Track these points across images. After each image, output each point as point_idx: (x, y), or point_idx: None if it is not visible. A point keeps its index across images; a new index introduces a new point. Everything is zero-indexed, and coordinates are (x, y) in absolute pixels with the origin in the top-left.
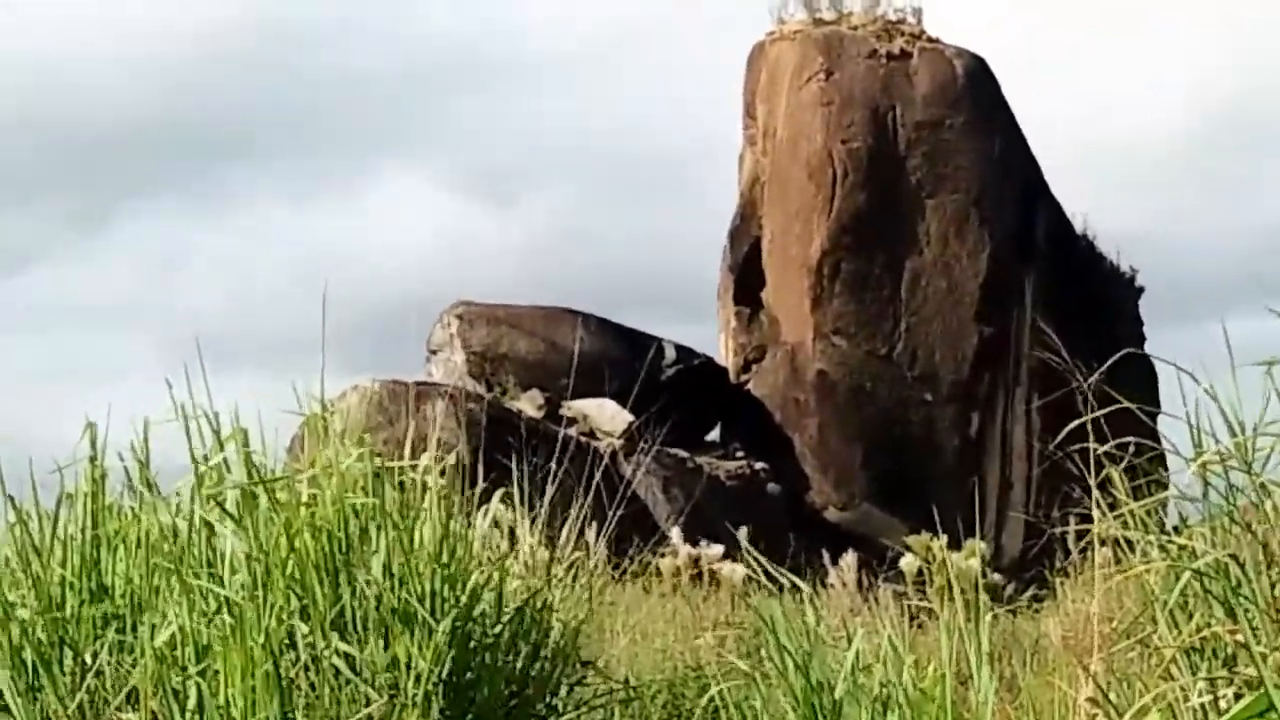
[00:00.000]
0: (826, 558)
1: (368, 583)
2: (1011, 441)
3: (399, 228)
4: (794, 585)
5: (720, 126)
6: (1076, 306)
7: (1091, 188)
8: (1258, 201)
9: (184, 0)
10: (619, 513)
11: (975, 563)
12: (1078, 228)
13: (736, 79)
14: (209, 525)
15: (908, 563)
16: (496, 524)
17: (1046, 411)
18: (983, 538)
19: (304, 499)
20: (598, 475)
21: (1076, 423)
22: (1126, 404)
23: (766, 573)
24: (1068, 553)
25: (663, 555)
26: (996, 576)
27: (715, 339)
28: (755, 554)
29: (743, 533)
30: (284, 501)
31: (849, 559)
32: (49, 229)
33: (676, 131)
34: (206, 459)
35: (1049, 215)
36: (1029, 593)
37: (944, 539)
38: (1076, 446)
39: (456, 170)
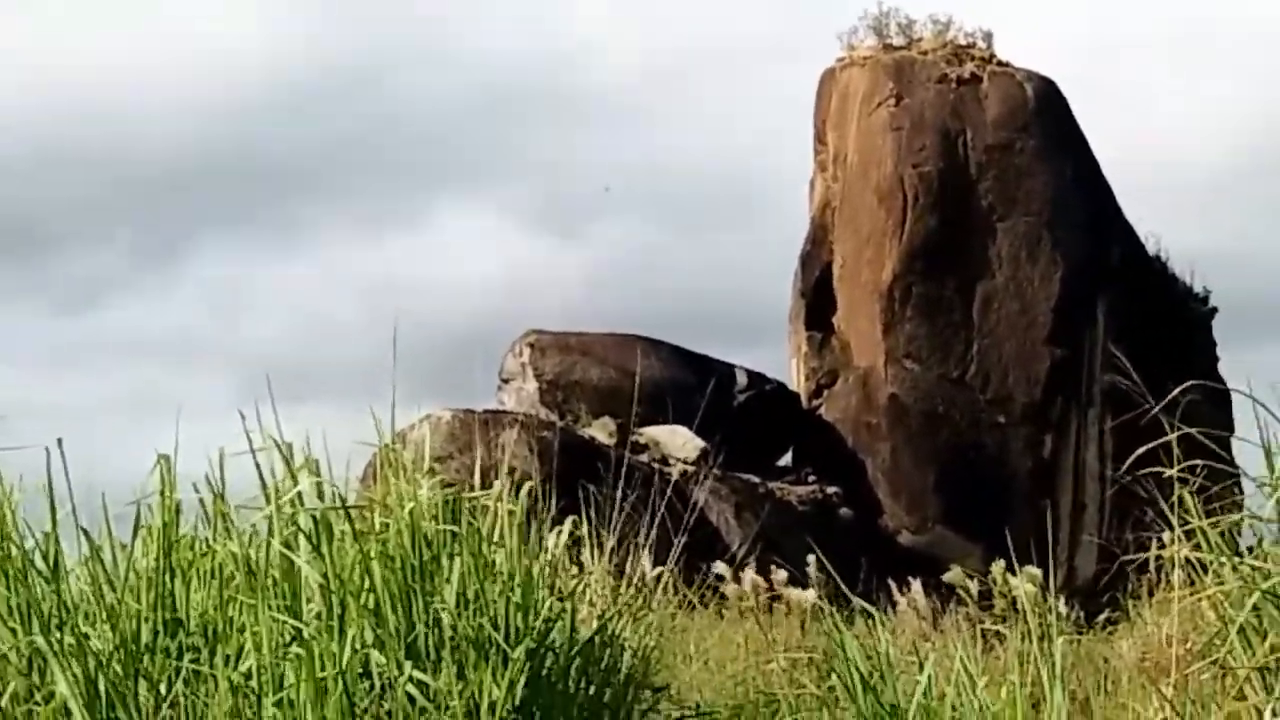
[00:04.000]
0: (894, 584)
1: (442, 610)
2: (1084, 464)
3: (467, 259)
4: (865, 610)
5: (788, 153)
6: (1150, 328)
7: (1164, 209)
8: None
9: (246, 34)
10: (688, 538)
11: (1031, 587)
12: (1151, 249)
13: (804, 106)
14: (284, 555)
15: (962, 589)
16: (569, 551)
17: (1120, 434)
18: (1056, 560)
19: (378, 528)
20: (667, 501)
21: (1149, 445)
22: (1199, 430)
23: (837, 597)
24: (1141, 575)
25: (728, 581)
26: (1061, 600)
27: (786, 364)
28: (824, 579)
29: (811, 559)
30: (359, 530)
31: (916, 585)
32: (118, 264)
33: (744, 159)
34: (279, 490)
35: (1121, 237)
36: (1103, 615)
37: (1004, 562)
38: (1149, 469)
39: (523, 202)
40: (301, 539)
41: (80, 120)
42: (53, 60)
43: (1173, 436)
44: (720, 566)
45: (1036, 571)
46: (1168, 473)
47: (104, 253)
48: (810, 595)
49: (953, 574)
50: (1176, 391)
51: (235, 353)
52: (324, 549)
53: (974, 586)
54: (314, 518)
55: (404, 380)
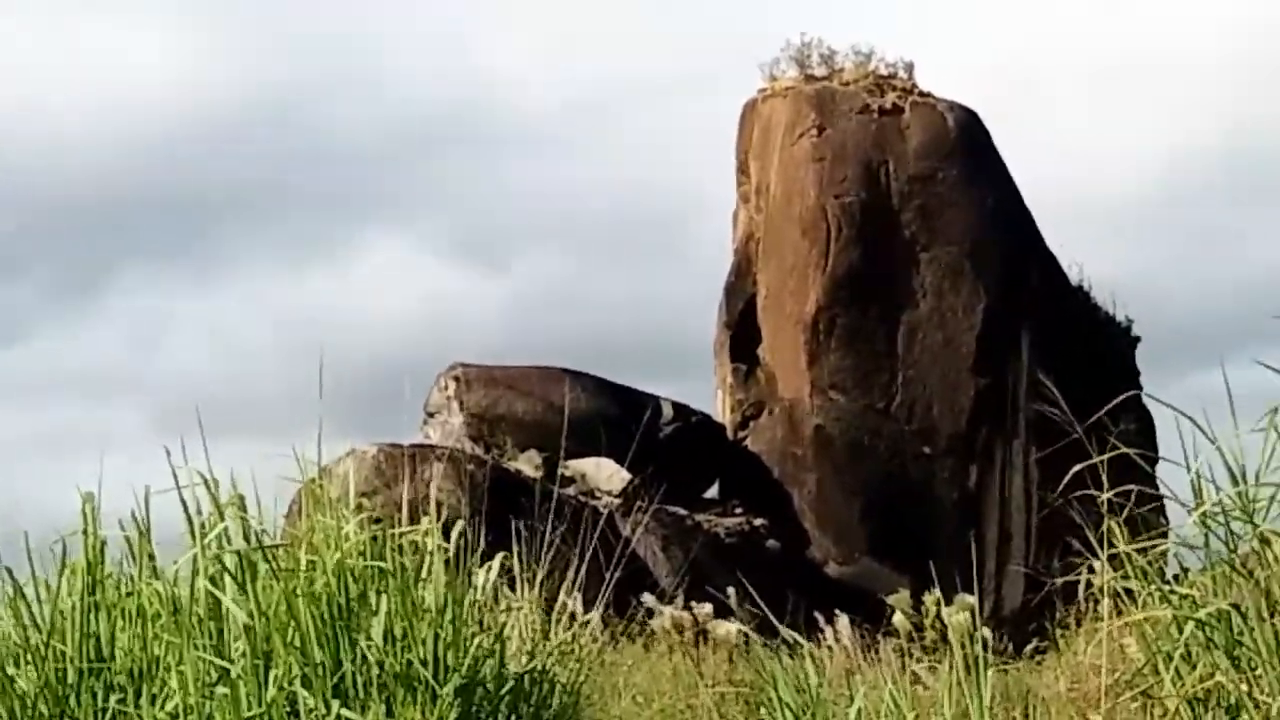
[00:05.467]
0: (822, 616)
1: (369, 647)
2: (1010, 493)
3: (390, 292)
4: (793, 642)
5: (711, 185)
6: (1072, 357)
7: (1084, 238)
8: (1241, 253)
9: (167, 67)
10: (618, 573)
11: (965, 617)
12: (1073, 278)
13: (726, 138)
14: (209, 594)
15: (900, 619)
16: (498, 585)
17: (1045, 462)
18: (982, 590)
19: (303, 565)
20: (596, 535)
21: (1075, 469)
22: (1125, 450)
23: (765, 629)
24: (1069, 604)
25: (653, 615)
26: (987, 631)
27: (712, 396)
28: (749, 612)
29: (733, 592)
30: (284, 568)
31: (843, 620)
32: (37, 300)
33: (667, 191)
34: (204, 527)
35: (1043, 266)
36: (1031, 645)
37: (938, 593)
38: (1076, 494)
39: (446, 234)
40: (227, 577)
41: None
42: None
43: (1099, 459)
44: (649, 599)
45: (971, 600)
46: (1098, 498)
47: (21, 286)
48: (733, 628)
49: (896, 598)
50: (1105, 409)
51: (155, 386)
52: (249, 587)
53: (905, 617)
54: (239, 555)
55: (327, 414)
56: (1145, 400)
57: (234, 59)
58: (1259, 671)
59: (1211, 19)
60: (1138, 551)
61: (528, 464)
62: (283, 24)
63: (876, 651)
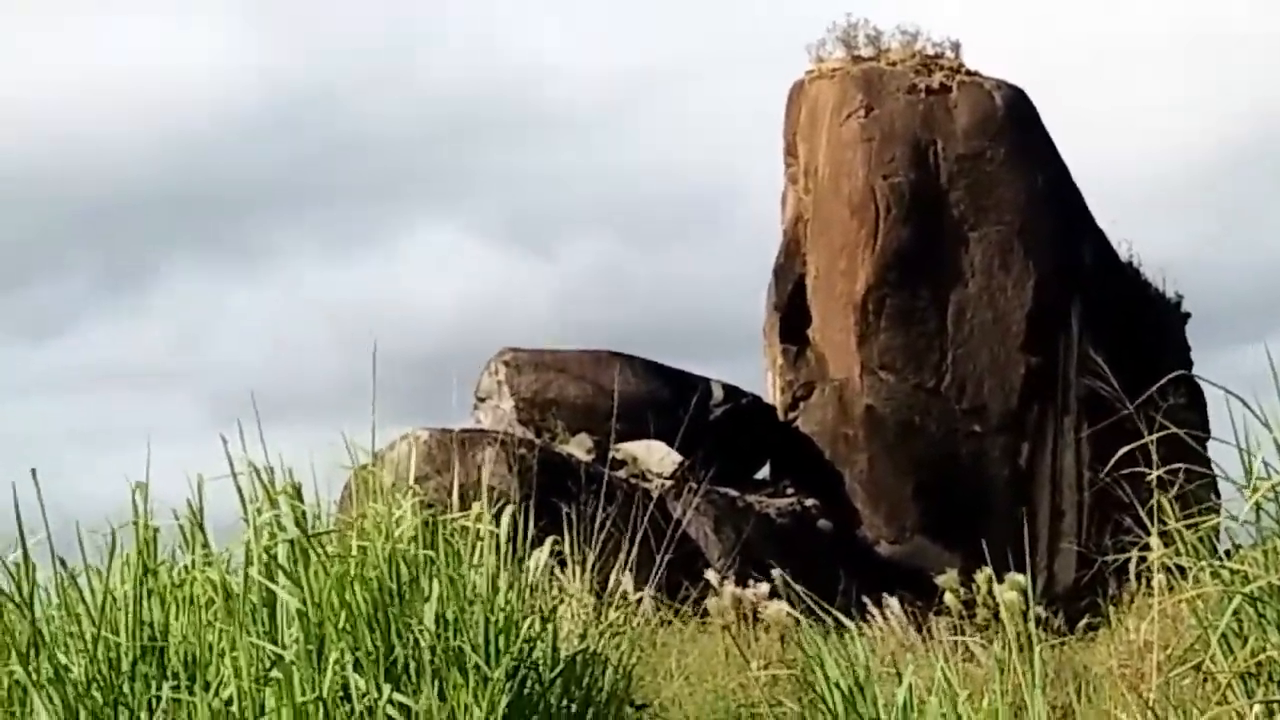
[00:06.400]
0: (869, 596)
1: (421, 632)
2: (1062, 470)
3: (436, 279)
4: (842, 622)
5: (757, 167)
6: (1123, 334)
7: (1133, 214)
8: None
9: (213, 64)
10: (669, 555)
11: (1017, 595)
12: (1122, 255)
13: (773, 120)
14: (263, 581)
15: (950, 598)
16: (550, 568)
17: (1096, 440)
18: (1035, 568)
19: (355, 551)
20: (647, 518)
21: (1126, 449)
22: (1175, 431)
23: (814, 610)
24: (1120, 581)
25: (710, 596)
26: (1040, 608)
27: (762, 377)
28: (801, 592)
29: (781, 573)
30: (336, 554)
31: (892, 601)
32: (83, 292)
33: (713, 174)
34: (259, 513)
35: (1093, 243)
36: (1083, 621)
37: (991, 571)
38: (1127, 471)
39: (491, 220)
40: (280, 563)
41: (44, 150)
42: (7, 92)
43: (1150, 439)
44: (712, 575)
45: (1021, 579)
46: (1148, 475)
47: (70, 280)
48: (783, 608)
49: (945, 578)
50: (1155, 388)
51: (206, 377)
52: (302, 574)
53: (955, 596)
54: (292, 542)
55: (379, 401)
56: (1195, 376)
57: (277, 54)
58: None
59: None
60: (1188, 528)
61: (579, 447)
62: (323, 19)
63: (929, 630)
